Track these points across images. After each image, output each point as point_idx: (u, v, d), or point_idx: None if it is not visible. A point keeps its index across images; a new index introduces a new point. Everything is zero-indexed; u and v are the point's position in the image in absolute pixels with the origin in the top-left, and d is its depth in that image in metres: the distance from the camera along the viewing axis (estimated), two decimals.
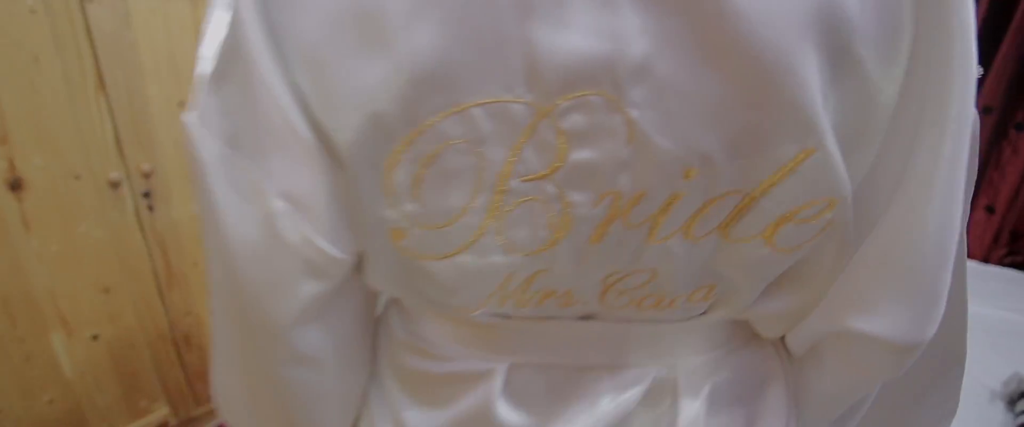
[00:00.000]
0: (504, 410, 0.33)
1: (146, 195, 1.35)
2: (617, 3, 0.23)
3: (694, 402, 0.33)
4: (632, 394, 0.33)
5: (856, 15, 0.23)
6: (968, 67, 0.24)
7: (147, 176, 1.35)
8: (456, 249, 0.29)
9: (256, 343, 0.34)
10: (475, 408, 0.33)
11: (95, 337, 1.33)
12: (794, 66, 0.22)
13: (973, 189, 0.29)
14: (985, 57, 1.38)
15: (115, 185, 1.29)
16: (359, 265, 0.33)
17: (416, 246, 0.29)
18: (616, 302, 0.31)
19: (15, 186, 1.14)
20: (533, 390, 0.34)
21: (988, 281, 1.40)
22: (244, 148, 0.29)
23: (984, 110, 1.39)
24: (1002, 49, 1.33)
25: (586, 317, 0.33)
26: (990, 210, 1.45)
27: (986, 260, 1.50)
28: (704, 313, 0.33)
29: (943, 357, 0.33)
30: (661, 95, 0.23)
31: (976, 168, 0.28)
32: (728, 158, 0.25)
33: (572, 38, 0.23)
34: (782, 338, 0.36)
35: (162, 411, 1.50)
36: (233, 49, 0.27)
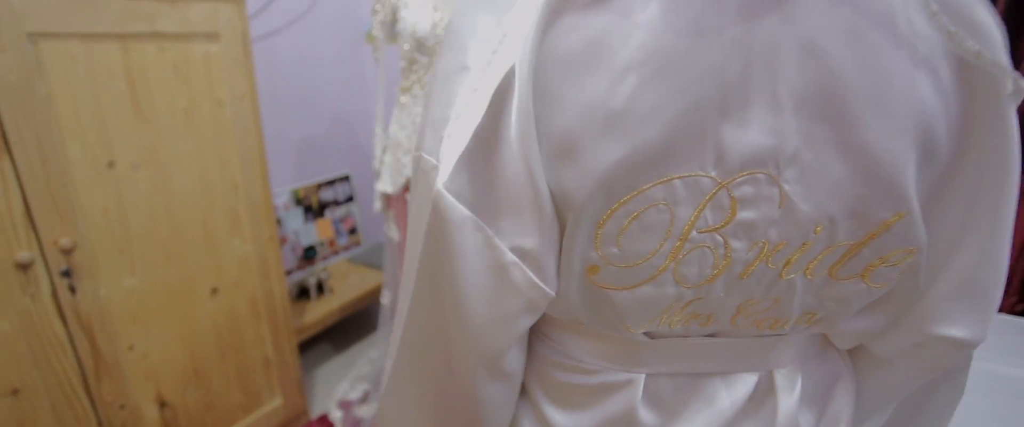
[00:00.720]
0: (643, 413, 0.41)
1: (66, 274, 1.12)
2: (782, 110, 0.32)
3: (790, 398, 0.42)
4: (742, 393, 0.42)
5: (943, 132, 0.33)
6: (1018, 160, 0.35)
7: (67, 252, 1.11)
8: (640, 282, 0.37)
9: (463, 371, 0.40)
10: (619, 413, 0.41)
11: None
12: (897, 162, 0.33)
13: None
14: None
15: (25, 267, 1.05)
16: None
17: (607, 279, 0.37)
18: (742, 323, 0.40)
19: None
20: (665, 394, 0.42)
21: (1001, 333, 1.33)
22: (482, 213, 0.35)
23: None
24: None
25: (712, 335, 0.41)
26: None
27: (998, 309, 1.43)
28: (801, 332, 0.42)
29: (965, 360, 0.45)
30: (805, 175, 0.33)
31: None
32: (845, 219, 0.35)
33: (750, 134, 0.33)
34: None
35: None
36: (492, 134, 0.33)
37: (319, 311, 1.91)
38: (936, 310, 0.39)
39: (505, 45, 0.32)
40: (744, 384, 0.42)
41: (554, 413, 0.44)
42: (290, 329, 1.64)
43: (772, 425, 0.42)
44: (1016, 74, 0.32)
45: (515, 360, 0.42)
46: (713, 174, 0.33)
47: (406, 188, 1.41)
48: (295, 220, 2.11)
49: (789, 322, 0.40)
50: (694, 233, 0.35)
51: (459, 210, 0.34)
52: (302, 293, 1.98)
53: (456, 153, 0.33)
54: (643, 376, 0.41)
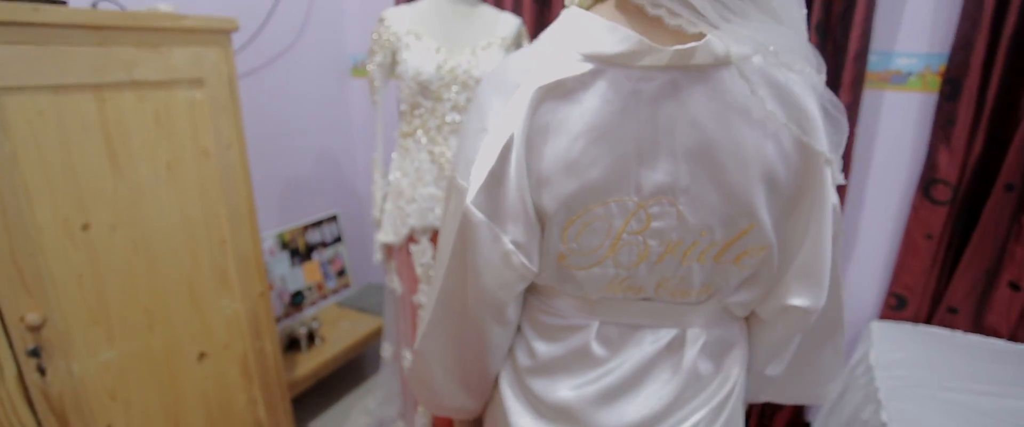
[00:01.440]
0: (595, 346, 0.61)
1: (34, 353, 0.98)
2: (677, 160, 0.50)
3: (693, 349, 0.61)
4: (662, 342, 0.61)
5: (782, 176, 0.51)
6: (831, 191, 0.52)
7: (35, 328, 0.98)
8: (591, 265, 0.56)
9: (477, 319, 0.59)
10: (579, 345, 0.61)
11: None
12: (748, 193, 0.51)
13: (841, 238, 0.62)
14: (1007, 132, 1.29)
15: None
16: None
17: (571, 263, 0.56)
18: (662, 293, 0.59)
19: None
20: (611, 336, 0.61)
21: (1015, 364, 1.29)
22: (493, 219, 0.52)
23: (1006, 187, 1.28)
24: (1022, 125, 1.24)
25: (645, 299, 0.60)
26: (1014, 287, 1.35)
27: (1013, 338, 1.40)
28: (705, 301, 0.60)
29: (830, 322, 0.66)
30: (692, 200, 0.52)
31: (841, 230, 0.58)
32: (719, 226, 0.53)
33: (657, 175, 0.51)
34: (746, 319, 0.67)
35: None
36: (500, 172, 0.51)
37: (311, 363, 1.77)
38: (789, 288, 0.58)
39: (507, 117, 0.50)
40: (665, 336, 0.60)
41: (538, 344, 0.62)
42: (283, 387, 1.50)
43: (679, 367, 0.61)
44: (826, 152, 0.50)
45: (513, 313, 0.61)
46: (635, 199, 0.52)
47: (410, 238, 1.30)
48: (281, 265, 1.98)
49: (693, 292, 0.58)
50: (625, 235, 0.54)
51: (479, 217, 0.52)
52: (292, 344, 1.85)
53: (479, 182, 0.50)
54: (597, 323, 0.60)
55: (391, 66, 1.25)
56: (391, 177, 1.31)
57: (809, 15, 1.35)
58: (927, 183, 1.39)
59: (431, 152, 1.23)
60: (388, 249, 1.34)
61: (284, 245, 1.99)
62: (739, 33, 0.45)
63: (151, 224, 1.14)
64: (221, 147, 1.25)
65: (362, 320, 2.03)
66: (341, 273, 2.20)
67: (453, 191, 0.55)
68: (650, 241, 0.54)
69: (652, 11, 0.46)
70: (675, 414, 0.60)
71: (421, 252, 1.29)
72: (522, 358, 0.63)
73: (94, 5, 1.21)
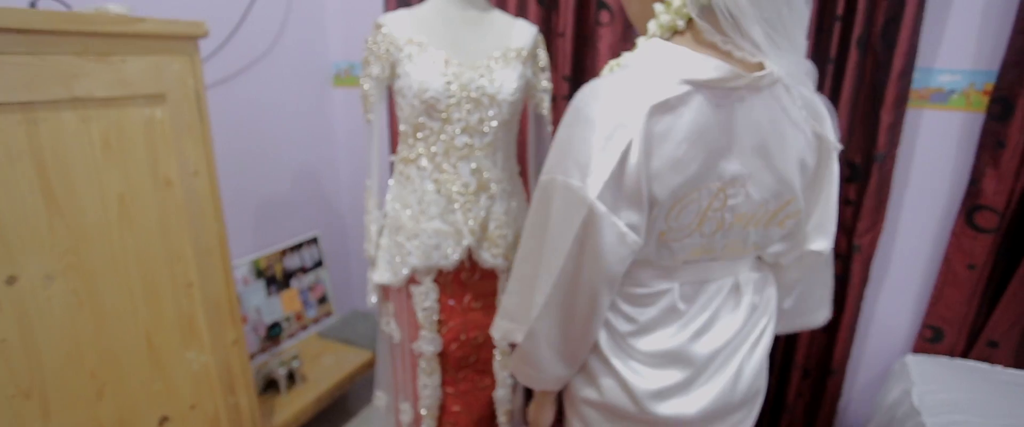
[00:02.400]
0: (680, 303, 0.74)
1: None
2: (744, 155, 0.66)
3: (748, 289, 0.78)
4: (724, 290, 0.76)
5: (810, 162, 0.72)
6: (837, 165, 0.75)
7: None
8: (684, 237, 0.69)
9: (594, 292, 0.69)
10: (668, 304, 0.74)
11: None
12: (791, 176, 0.69)
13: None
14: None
15: None
16: None
17: (670, 237, 0.69)
18: (725, 253, 0.73)
19: None
20: (688, 293, 0.75)
21: None
22: (613, 208, 0.64)
23: None
24: None
25: (712, 259, 0.74)
26: None
27: None
28: (750, 255, 0.77)
29: (825, 261, 0.87)
30: (755, 183, 0.68)
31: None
32: (772, 200, 0.70)
33: (732, 166, 0.66)
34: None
35: None
36: (620, 171, 0.62)
37: (292, 407, 1.56)
38: (809, 237, 0.79)
39: (626, 127, 0.62)
40: (726, 284, 0.76)
41: (635, 311, 0.74)
42: None
43: (739, 303, 0.77)
44: (835, 141, 0.72)
45: (618, 282, 0.71)
46: (718, 184, 0.67)
47: (412, 279, 1.11)
48: (256, 295, 1.76)
49: (747, 250, 0.75)
50: (709, 212, 0.68)
51: (602, 208, 0.63)
52: (269, 385, 1.63)
53: (603, 180, 0.62)
54: (677, 285, 0.74)
55: (389, 79, 1.06)
56: (387, 208, 1.12)
57: (850, 29, 1.22)
58: (970, 209, 1.28)
59: (437, 181, 1.05)
60: (385, 290, 1.15)
61: (259, 273, 1.77)
62: (780, 61, 0.63)
63: (99, 271, 0.93)
64: (186, 174, 1.04)
65: (347, 354, 1.83)
66: (322, 300, 1.99)
67: (560, 189, 0.65)
68: (726, 215, 0.69)
69: (723, 46, 0.63)
70: (744, 335, 0.78)
71: (424, 295, 1.10)
72: (622, 325, 0.75)
73: (32, 4, 0.99)
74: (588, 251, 0.65)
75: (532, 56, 1.11)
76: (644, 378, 0.74)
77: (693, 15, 0.63)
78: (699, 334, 0.74)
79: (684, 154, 0.63)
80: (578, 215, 0.63)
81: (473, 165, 1.04)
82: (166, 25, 0.97)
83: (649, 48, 0.66)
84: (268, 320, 1.78)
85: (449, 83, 0.99)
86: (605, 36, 1.38)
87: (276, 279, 1.82)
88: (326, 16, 1.94)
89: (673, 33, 0.67)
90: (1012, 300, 1.28)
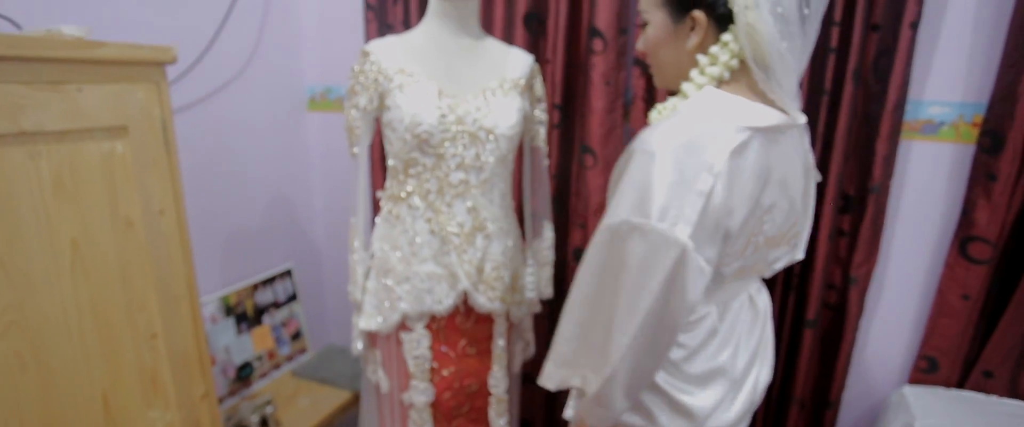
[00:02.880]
0: (718, 323, 0.81)
1: None
2: (775, 185, 0.75)
3: (759, 300, 0.89)
4: (744, 303, 0.86)
5: (807, 186, 0.87)
6: (814, 188, 0.90)
7: None
8: (734, 261, 0.76)
9: (674, 326, 0.71)
10: (710, 326, 0.80)
11: None
12: (800, 200, 0.84)
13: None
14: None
15: None
16: None
17: (723, 263, 0.74)
18: (752, 271, 0.83)
19: None
20: (721, 312, 0.82)
21: None
22: (697, 245, 0.67)
23: None
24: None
25: (741, 279, 0.82)
26: None
27: None
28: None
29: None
30: (781, 210, 0.79)
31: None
32: (788, 224, 0.82)
33: (769, 196, 0.74)
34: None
35: None
36: (707, 210, 0.66)
37: None
38: (797, 248, 0.91)
39: (708, 170, 0.66)
40: (743, 298, 0.87)
41: (684, 337, 0.79)
42: None
43: (756, 314, 0.88)
44: (816, 173, 0.89)
45: None
46: (759, 213, 0.74)
47: (403, 326, 1.03)
48: (225, 334, 1.63)
49: (766, 268, 0.86)
50: (752, 238, 0.75)
51: (692, 246, 0.66)
52: None
53: (691, 221, 0.66)
54: (714, 307, 0.81)
55: (377, 111, 0.98)
56: (374, 248, 1.03)
57: (845, 61, 1.21)
58: (963, 240, 1.27)
59: (430, 221, 0.97)
60: (371, 337, 1.06)
61: (229, 310, 1.64)
62: (795, 104, 0.73)
63: (47, 327, 0.81)
64: (151, 214, 0.93)
65: (323, 394, 1.70)
66: (296, 336, 1.87)
67: (641, 232, 0.67)
68: (760, 238, 0.76)
69: (769, 94, 0.72)
70: (763, 342, 0.87)
71: (415, 342, 1.01)
72: (674, 352, 0.78)
73: None
74: (676, 290, 0.67)
75: (529, 87, 1.05)
76: (698, 398, 0.80)
77: (753, 67, 0.70)
78: (735, 348, 0.83)
79: (751, 190, 0.70)
80: (668, 256, 0.66)
81: (469, 203, 0.97)
82: (129, 50, 0.87)
83: (708, 96, 0.72)
84: (238, 360, 1.65)
85: (444, 116, 0.92)
86: (598, 65, 1.33)
87: (247, 316, 1.70)
88: (301, 38, 1.85)
89: (719, 82, 0.74)
90: (1006, 330, 1.27)
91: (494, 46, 1.04)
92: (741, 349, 0.84)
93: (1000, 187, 1.20)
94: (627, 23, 1.33)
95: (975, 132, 1.24)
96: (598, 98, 1.35)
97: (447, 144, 0.93)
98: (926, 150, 1.30)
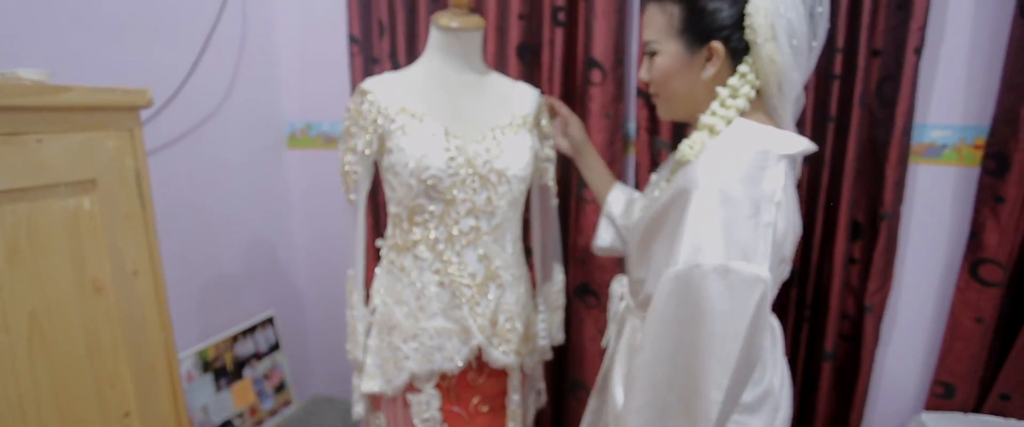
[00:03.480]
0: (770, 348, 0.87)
1: None
2: (796, 206, 0.77)
3: (773, 316, 0.86)
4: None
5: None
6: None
7: None
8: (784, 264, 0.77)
9: (755, 357, 0.67)
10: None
11: None
12: (797, 222, 0.82)
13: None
14: None
15: None
16: None
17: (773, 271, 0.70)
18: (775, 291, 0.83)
19: None
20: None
21: None
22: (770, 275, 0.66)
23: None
24: None
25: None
26: None
27: None
28: None
29: None
30: (790, 225, 0.73)
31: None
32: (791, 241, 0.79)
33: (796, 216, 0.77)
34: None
35: None
36: (773, 238, 0.65)
37: None
38: None
39: (769, 201, 0.66)
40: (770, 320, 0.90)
41: None
42: None
43: (775, 334, 0.91)
44: None
45: None
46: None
47: (410, 386, 0.93)
48: (203, 392, 1.49)
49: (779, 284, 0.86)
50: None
51: (771, 282, 0.65)
52: None
53: (767, 255, 0.64)
54: None
55: (376, 154, 0.90)
56: (376, 302, 0.94)
57: (851, 87, 1.18)
58: (974, 263, 1.24)
59: (439, 272, 0.88)
60: (374, 400, 0.96)
61: (206, 365, 1.51)
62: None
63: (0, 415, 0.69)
64: (123, 276, 0.82)
65: None
66: (280, 388, 1.73)
67: (722, 275, 0.63)
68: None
69: (780, 123, 0.76)
70: (784, 352, 0.89)
71: (424, 404, 0.91)
72: None
73: None
74: (758, 328, 0.64)
75: (536, 123, 0.99)
76: (752, 424, 0.78)
77: (774, 94, 0.73)
78: (772, 370, 0.83)
79: (793, 216, 0.72)
80: (753, 296, 0.63)
81: (480, 251, 0.89)
82: (98, 94, 0.78)
83: (745, 127, 0.72)
84: (217, 420, 1.51)
85: (452, 159, 0.84)
86: (597, 96, 1.28)
87: (226, 370, 1.56)
88: (279, 72, 1.76)
89: (741, 113, 0.74)
90: (1022, 351, 1.24)
91: (499, 81, 0.97)
92: (777, 370, 0.84)
93: (1008, 209, 1.18)
94: (625, 53, 1.29)
95: (977, 154, 1.23)
96: (597, 131, 1.29)
97: (456, 188, 0.85)
98: (930, 173, 1.28)
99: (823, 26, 0.73)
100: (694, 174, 0.67)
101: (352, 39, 1.53)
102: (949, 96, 1.23)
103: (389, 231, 0.92)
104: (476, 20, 0.91)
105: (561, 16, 1.32)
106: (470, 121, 0.90)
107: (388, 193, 0.90)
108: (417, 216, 0.88)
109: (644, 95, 1.32)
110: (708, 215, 0.64)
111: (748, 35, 0.71)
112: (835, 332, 1.31)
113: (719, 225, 0.63)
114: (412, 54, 1.49)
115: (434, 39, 0.91)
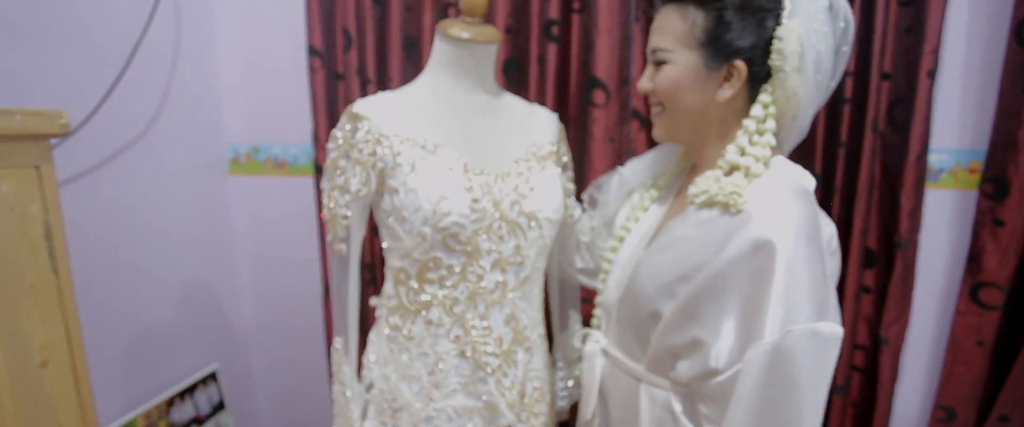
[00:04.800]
0: None
1: None
2: None
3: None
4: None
5: None
6: None
7: None
8: None
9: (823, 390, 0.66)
10: None
11: None
12: None
13: None
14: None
15: None
16: None
17: None
18: None
19: None
20: None
21: None
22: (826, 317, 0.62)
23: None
24: None
25: None
26: None
27: None
28: None
29: None
30: None
31: None
32: None
33: None
34: None
35: None
36: (833, 287, 0.68)
37: None
38: None
39: (830, 252, 0.68)
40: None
41: None
42: None
43: None
44: None
45: None
46: None
47: None
48: None
49: None
50: None
51: (836, 327, 0.61)
52: None
53: (837, 310, 0.63)
54: None
55: (373, 195, 0.72)
56: (372, 377, 0.75)
57: (863, 112, 1.13)
58: (974, 286, 1.22)
59: (459, 340, 0.71)
60: None
61: None
62: None
63: None
64: (27, 368, 0.59)
65: None
66: None
67: (810, 341, 0.57)
68: None
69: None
70: None
71: None
72: None
73: None
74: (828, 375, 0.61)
75: (559, 151, 0.84)
76: None
77: (786, 129, 0.71)
78: None
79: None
80: (832, 356, 0.60)
81: (507, 311, 0.73)
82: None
83: (786, 167, 0.69)
84: None
85: (476, 201, 0.68)
86: (600, 119, 1.16)
87: None
88: (220, 87, 1.51)
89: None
90: (1020, 374, 1.23)
91: (515, 104, 0.82)
92: None
93: (1007, 233, 1.17)
94: (629, 72, 1.17)
95: (973, 178, 1.22)
96: (601, 157, 1.17)
97: (480, 236, 0.69)
98: (929, 198, 1.25)
99: (842, 66, 0.70)
100: (759, 229, 0.60)
101: (312, 51, 1.33)
102: (945, 120, 1.21)
103: (390, 289, 0.74)
104: (491, 31, 0.75)
105: (554, 30, 1.19)
106: (488, 153, 0.74)
107: (390, 243, 0.72)
108: (430, 272, 0.70)
109: (640, 118, 1.21)
110: (796, 277, 0.59)
111: (775, 60, 0.65)
112: (846, 363, 1.24)
113: (806, 286, 0.59)
114: (382, 69, 1.30)
115: (442, 53, 0.75)
